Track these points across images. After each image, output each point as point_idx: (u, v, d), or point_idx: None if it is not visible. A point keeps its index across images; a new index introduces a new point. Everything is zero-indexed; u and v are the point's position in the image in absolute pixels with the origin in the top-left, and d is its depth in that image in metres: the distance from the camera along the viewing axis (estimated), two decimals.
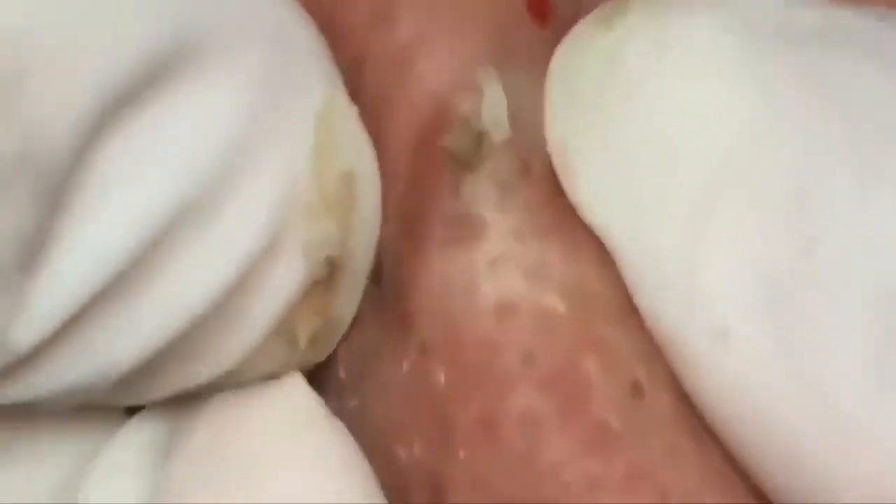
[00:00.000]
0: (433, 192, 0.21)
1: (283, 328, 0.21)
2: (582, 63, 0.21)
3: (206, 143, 0.20)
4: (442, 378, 0.20)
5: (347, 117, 0.21)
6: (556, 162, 0.21)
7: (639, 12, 0.21)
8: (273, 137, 0.21)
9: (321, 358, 0.22)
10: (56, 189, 0.19)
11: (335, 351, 0.22)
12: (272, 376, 0.22)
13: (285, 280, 0.21)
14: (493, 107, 0.21)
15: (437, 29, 0.21)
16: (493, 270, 0.20)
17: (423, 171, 0.21)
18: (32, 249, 0.19)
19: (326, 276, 0.21)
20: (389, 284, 0.22)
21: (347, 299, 0.22)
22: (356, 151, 0.21)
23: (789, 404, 0.19)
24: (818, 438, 0.19)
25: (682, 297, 0.20)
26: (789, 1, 0.21)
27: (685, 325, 0.20)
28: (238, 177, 0.20)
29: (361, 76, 0.22)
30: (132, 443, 0.22)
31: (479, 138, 0.21)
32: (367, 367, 0.22)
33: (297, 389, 0.22)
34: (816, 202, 0.19)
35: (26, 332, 0.19)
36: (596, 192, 0.21)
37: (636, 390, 0.20)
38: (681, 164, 0.20)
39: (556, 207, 0.21)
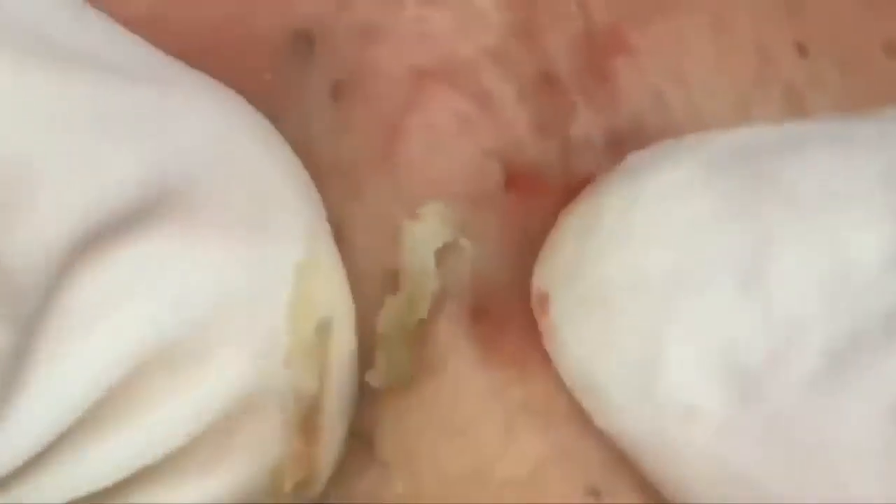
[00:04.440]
0: None
1: (271, 475, 0.21)
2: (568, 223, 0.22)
3: (180, 290, 0.20)
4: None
5: (328, 265, 0.22)
6: (535, 308, 0.22)
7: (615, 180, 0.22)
8: (252, 288, 0.21)
9: (307, 501, 0.22)
10: (30, 315, 0.19)
11: None
12: None
13: (263, 428, 0.21)
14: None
15: None
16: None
17: None
18: (7, 374, 0.19)
19: (304, 424, 0.21)
20: None
21: (328, 447, 0.22)
22: (334, 298, 0.22)
23: (759, 461, 0.20)
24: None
25: (648, 398, 0.21)
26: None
27: (654, 421, 0.21)
28: (215, 326, 0.20)
29: None
30: None
31: None
32: None
33: None
34: (765, 280, 0.20)
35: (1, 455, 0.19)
36: (571, 333, 0.22)
37: (593, 493, 0.22)
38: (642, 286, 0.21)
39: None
